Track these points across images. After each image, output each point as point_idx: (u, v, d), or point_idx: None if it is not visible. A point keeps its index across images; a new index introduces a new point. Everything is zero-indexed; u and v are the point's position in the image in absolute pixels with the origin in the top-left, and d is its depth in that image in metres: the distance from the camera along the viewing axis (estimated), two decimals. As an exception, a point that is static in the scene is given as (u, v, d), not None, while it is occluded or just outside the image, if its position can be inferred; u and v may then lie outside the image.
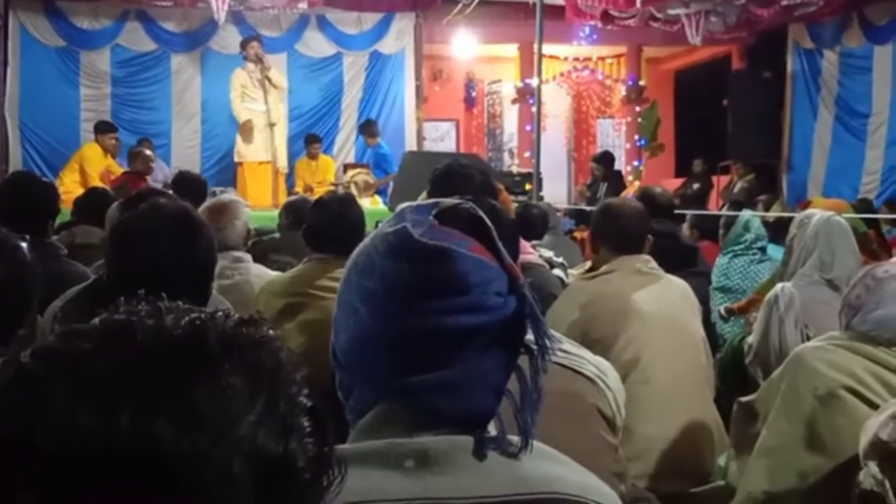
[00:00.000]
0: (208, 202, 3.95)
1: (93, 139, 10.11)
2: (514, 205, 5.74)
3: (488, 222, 1.09)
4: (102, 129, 10.14)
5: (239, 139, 10.60)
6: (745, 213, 5.70)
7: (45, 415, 0.62)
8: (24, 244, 1.71)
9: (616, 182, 10.89)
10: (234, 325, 0.71)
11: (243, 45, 10.71)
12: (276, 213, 6.33)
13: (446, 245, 1.04)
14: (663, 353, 3.01)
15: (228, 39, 11.38)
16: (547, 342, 1.09)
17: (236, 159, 10.74)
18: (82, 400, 0.63)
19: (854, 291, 2.54)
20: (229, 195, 4.28)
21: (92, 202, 4.93)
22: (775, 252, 5.09)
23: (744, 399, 2.77)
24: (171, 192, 4.24)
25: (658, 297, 3.09)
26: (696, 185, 11.98)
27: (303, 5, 11.05)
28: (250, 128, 10.47)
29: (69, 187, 9.02)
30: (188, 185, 5.41)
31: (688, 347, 3.13)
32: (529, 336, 1.08)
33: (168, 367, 0.66)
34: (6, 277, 1.60)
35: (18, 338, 1.60)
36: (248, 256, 3.72)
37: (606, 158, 11.37)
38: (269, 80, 10.48)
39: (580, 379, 1.92)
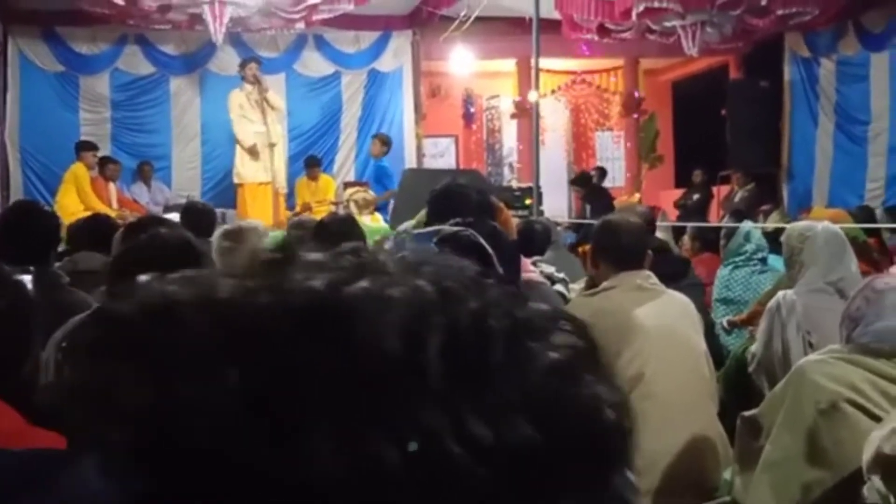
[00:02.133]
0: (223, 227, 3.96)
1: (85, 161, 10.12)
2: (516, 220, 5.75)
3: (488, 248, 1.10)
4: (83, 147, 10.18)
5: (238, 161, 10.62)
6: (746, 225, 5.71)
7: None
8: (27, 276, 1.72)
9: (600, 200, 10.80)
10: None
11: (242, 65, 10.75)
12: (276, 233, 6.36)
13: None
14: (666, 368, 3.01)
15: (227, 61, 11.41)
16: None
17: (236, 180, 10.75)
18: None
19: (854, 303, 2.55)
20: (253, 223, 4.25)
21: (92, 228, 4.95)
22: (776, 262, 5.09)
23: (747, 413, 2.78)
24: (171, 217, 4.25)
25: (659, 312, 3.10)
26: (696, 196, 11.98)
27: (300, 25, 11.07)
28: (251, 149, 10.51)
29: (72, 209, 9.02)
30: (197, 216, 5.39)
31: (690, 362, 3.13)
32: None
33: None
34: (8, 312, 1.61)
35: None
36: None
37: (582, 180, 11.18)
38: (267, 102, 10.51)
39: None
